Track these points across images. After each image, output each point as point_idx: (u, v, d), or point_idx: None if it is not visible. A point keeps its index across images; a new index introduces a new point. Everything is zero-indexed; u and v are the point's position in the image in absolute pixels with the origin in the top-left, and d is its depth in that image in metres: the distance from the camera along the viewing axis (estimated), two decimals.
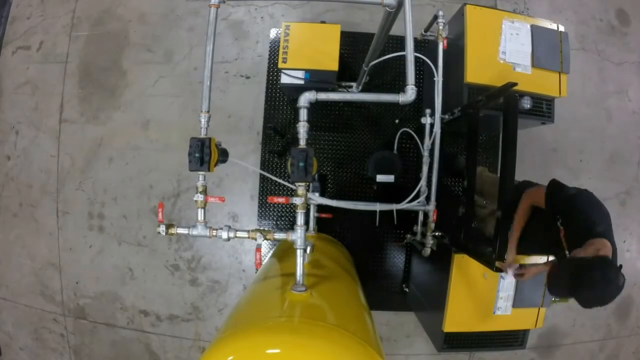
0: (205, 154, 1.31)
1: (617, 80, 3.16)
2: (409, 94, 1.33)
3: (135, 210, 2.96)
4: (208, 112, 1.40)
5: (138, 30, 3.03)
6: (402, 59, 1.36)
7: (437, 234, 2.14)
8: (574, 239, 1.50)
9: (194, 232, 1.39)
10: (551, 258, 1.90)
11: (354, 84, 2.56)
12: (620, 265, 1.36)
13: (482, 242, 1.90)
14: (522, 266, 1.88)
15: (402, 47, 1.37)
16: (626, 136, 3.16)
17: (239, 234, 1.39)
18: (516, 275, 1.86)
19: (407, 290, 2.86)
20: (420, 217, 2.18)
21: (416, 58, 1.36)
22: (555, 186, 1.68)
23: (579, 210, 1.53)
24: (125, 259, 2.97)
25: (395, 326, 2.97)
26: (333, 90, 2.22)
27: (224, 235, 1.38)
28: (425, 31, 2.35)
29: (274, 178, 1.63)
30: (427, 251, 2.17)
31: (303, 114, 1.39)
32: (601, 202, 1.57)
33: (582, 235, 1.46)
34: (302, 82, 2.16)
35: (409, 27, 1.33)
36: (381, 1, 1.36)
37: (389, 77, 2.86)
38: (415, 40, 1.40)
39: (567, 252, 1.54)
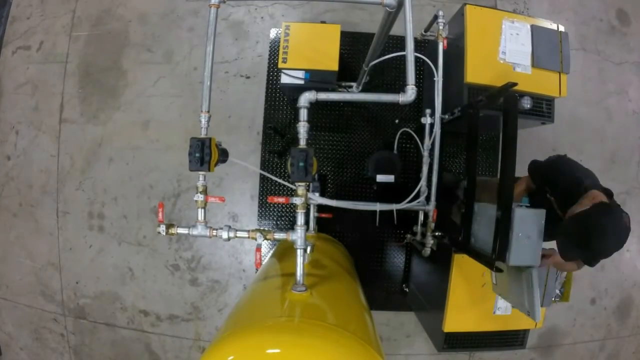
0: (205, 153, 1.31)
1: (617, 80, 3.16)
2: (409, 94, 1.33)
3: (135, 210, 2.96)
4: (208, 112, 1.40)
5: (138, 30, 3.03)
6: (402, 59, 1.36)
7: (437, 234, 2.14)
8: (566, 200, 1.46)
9: (194, 232, 1.39)
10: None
11: (354, 84, 2.56)
12: (619, 205, 1.33)
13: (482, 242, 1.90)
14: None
15: (402, 47, 1.37)
16: (626, 136, 3.16)
17: (239, 234, 1.39)
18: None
19: (407, 290, 2.86)
20: (420, 217, 2.17)
21: (416, 58, 1.37)
22: (533, 162, 1.73)
23: (561, 172, 1.55)
24: (125, 259, 2.97)
25: (395, 326, 2.97)
26: (333, 90, 2.22)
27: (224, 235, 1.38)
28: (425, 31, 2.35)
29: (274, 178, 1.63)
30: (427, 251, 2.16)
31: (303, 114, 1.39)
32: (579, 163, 1.58)
33: (573, 194, 1.44)
34: (302, 82, 2.16)
35: (409, 27, 1.33)
36: (381, 1, 1.36)
37: (389, 77, 2.86)
38: (415, 40, 1.40)
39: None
